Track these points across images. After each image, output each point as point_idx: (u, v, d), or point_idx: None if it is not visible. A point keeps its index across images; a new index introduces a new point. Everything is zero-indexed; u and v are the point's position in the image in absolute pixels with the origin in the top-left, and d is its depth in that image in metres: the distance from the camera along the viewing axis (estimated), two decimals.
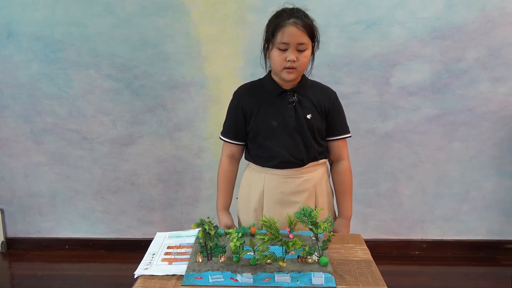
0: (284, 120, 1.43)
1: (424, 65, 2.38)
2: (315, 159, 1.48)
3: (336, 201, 1.58)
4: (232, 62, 2.38)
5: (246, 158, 1.56)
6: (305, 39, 1.34)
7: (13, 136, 2.58)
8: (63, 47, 2.42)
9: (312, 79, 1.52)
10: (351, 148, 2.48)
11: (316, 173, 1.50)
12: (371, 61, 2.38)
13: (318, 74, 2.49)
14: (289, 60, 1.34)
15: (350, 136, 1.54)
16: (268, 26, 1.39)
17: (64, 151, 2.59)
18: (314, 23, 1.39)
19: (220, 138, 1.56)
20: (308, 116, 1.44)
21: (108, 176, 2.61)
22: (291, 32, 1.32)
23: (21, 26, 2.40)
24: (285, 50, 1.35)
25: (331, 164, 1.59)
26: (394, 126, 2.47)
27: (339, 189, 1.56)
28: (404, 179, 2.55)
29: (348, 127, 1.54)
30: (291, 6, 1.39)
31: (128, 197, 2.64)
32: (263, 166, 1.49)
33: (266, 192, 1.49)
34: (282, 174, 1.46)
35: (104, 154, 2.58)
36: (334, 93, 1.51)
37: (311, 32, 1.36)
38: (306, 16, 1.37)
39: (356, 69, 2.39)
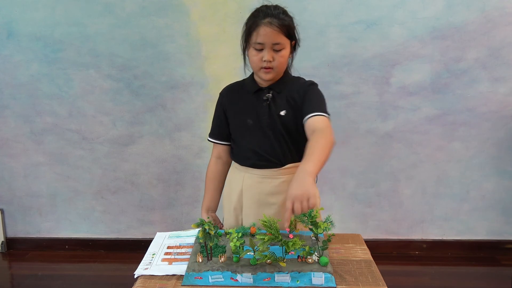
0: (258, 118, 1.42)
1: (424, 65, 2.38)
2: (294, 160, 1.43)
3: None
4: (232, 62, 2.38)
5: (230, 157, 1.56)
6: (281, 39, 1.31)
7: (13, 136, 2.58)
8: (63, 47, 2.42)
9: (298, 75, 1.47)
10: (351, 148, 2.50)
11: None
12: (371, 61, 2.38)
13: (318, 74, 2.50)
14: (265, 60, 1.32)
15: (325, 116, 1.31)
16: (245, 25, 1.37)
17: (64, 151, 2.59)
18: (292, 21, 1.35)
19: (207, 139, 1.57)
20: (282, 113, 1.39)
21: (108, 176, 2.61)
22: (266, 33, 1.30)
23: (21, 26, 2.40)
24: (261, 50, 1.33)
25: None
26: (394, 126, 2.47)
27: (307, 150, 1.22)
28: (404, 179, 2.55)
29: (325, 110, 1.34)
30: (269, 4, 1.35)
31: (128, 197, 2.64)
32: (242, 165, 1.48)
33: (245, 192, 1.47)
34: (260, 174, 1.45)
35: (104, 154, 2.58)
36: (308, 82, 1.41)
37: (288, 31, 1.33)
38: (284, 13, 1.33)
39: (356, 69, 2.39)
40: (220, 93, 1.54)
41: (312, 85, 1.42)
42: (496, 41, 2.33)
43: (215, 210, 1.58)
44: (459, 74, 2.39)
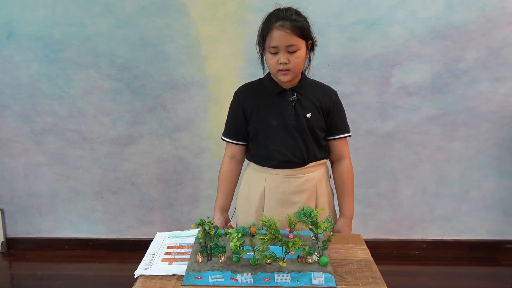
0: (284, 119, 1.44)
1: (424, 65, 2.38)
2: (316, 158, 1.48)
3: (338, 201, 1.58)
4: (232, 62, 2.38)
5: (247, 158, 1.56)
6: (295, 40, 1.34)
7: (13, 136, 2.58)
8: (63, 47, 2.42)
9: (313, 78, 1.52)
10: (351, 148, 2.48)
11: (316, 173, 1.50)
12: (371, 61, 2.38)
13: (318, 74, 2.48)
14: (281, 63, 1.35)
15: (350, 135, 1.55)
16: (259, 30, 1.40)
17: (64, 151, 2.59)
18: (306, 21, 1.38)
19: (221, 138, 1.56)
20: (308, 115, 1.44)
21: (108, 176, 2.61)
22: (278, 36, 1.33)
23: (21, 26, 2.40)
24: (276, 53, 1.36)
25: (332, 164, 1.59)
26: (394, 126, 2.47)
27: (341, 189, 1.56)
28: (404, 179, 2.55)
29: (348, 126, 1.54)
30: (282, 7, 1.38)
31: (128, 197, 2.64)
32: (263, 166, 1.49)
33: (267, 192, 1.49)
34: (282, 174, 1.47)
35: (104, 154, 2.58)
36: (335, 92, 1.52)
37: (301, 32, 1.35)
38: (296, 14, 1.36)
39: (356, 69, 2.39)
40: (236, 93, 1.53)
41: (337, 94, 1.52)
42: (496, 41, 2.33)
43: (227, 211, 1.59)
44: (459, 74, 2.39)
